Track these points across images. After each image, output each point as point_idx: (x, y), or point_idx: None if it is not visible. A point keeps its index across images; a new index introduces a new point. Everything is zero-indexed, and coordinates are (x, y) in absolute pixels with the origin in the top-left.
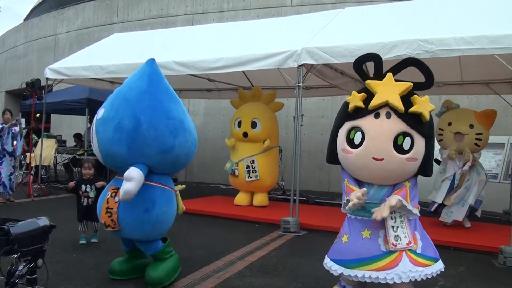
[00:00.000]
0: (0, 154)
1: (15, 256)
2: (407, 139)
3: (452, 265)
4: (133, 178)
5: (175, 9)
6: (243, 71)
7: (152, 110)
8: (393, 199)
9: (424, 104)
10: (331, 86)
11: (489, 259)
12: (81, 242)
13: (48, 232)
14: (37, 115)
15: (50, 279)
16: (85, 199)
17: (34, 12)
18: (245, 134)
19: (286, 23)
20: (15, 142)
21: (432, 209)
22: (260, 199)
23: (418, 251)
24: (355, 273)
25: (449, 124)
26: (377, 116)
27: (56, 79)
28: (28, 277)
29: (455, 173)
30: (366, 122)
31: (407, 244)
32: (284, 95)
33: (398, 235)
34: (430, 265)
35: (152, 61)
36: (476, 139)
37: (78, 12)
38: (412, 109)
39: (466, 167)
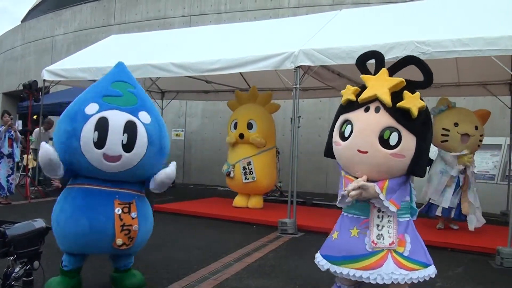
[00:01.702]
0: None
1: (11, 258)
2: (394, 134)
3: (449, 266)
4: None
5: (173, 11)
6: (240, 73)
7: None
8: (370, 183)
9: (412, 100)
10: (328, 88)
11: (486, 260)
12: None
13: (45, 234)
14: (34, 116)
15: (46, 281)
16: None
17: (32, 13)
18: (241, 136)
19: (284, 25)
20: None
21: (436, 213)
22: (255, 201)
23: (406, 254)
24: (340, 270)
25: (456, 124)
26: (367, 110)
27: (53, 80)
28: (25, 279)
29: (458, 176)
30: (355, 115)
31: (389, 244)
32: (281, 97)
33: (381, 234)
34: (417, 269)
35: (122, 64)
36: (480, 140)
37: (75, 14)
38: (399, 104)
39: (469, 172)
